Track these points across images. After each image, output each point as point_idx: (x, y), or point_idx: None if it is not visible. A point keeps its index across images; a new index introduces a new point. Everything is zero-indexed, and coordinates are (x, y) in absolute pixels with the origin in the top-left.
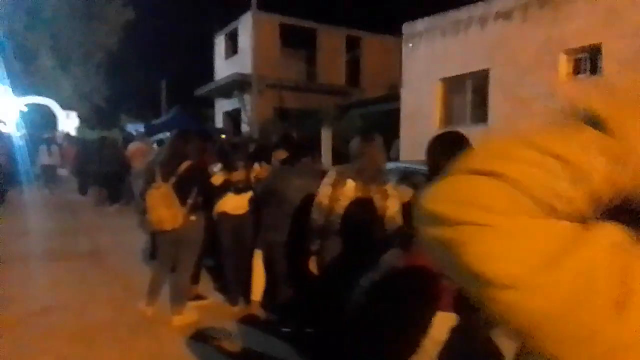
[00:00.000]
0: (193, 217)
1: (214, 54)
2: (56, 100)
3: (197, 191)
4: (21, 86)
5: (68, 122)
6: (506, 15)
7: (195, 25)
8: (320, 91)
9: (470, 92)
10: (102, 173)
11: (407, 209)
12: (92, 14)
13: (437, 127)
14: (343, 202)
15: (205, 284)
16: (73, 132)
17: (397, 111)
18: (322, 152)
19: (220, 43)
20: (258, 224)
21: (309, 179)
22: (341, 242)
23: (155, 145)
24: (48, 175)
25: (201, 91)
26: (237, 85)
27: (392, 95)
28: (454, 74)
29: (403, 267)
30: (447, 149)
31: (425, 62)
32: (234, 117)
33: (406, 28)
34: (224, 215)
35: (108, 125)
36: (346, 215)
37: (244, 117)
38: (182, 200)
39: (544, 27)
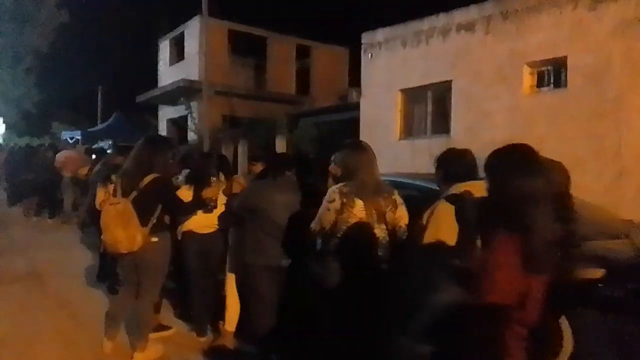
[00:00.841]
0: (155, 239)
1: (157, 59)
2: None
3: (162, 208)
4: None
5: None
6: (468, 26)
7: (136, 29)
8: (270, 99)
9: (431, 103)
10: (32, 182)
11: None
12: (22, 15)
13: (397, 137)
14: (352, 222)
15: (166, 310)
16: None
17: (350, 120)
18: None
19: (164, 48)
20: (227, 244)
21: (292, 195)
22: (341, 265)
23: (93, 155)
24: None
25: (144, 97)
26: (184, 91)
27: (348, 105)
28: (414, 84)
29: (469, 306)
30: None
31: (385, 72)
32: (179, 125)
33: (365, 37)
34: (190, 234)
35: (38, 133)
36: (349, 238)
37: (190, 124)
38: (144, 218)
39: (507, 39)
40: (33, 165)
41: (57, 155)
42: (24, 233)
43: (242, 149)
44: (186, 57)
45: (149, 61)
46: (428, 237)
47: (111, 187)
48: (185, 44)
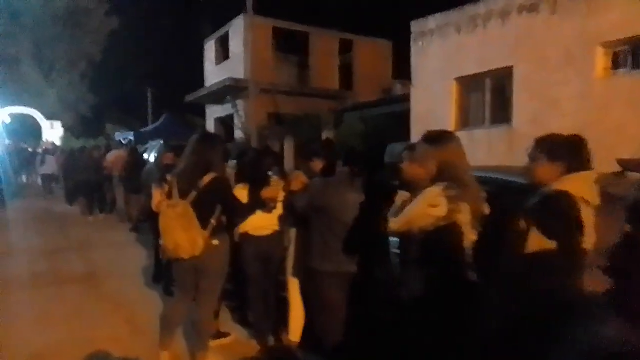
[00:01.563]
0: (216, 242)
1: (204, 59)
2: (40, 110)
3: (222, 210)
4: (4, 96)
5: (52, 132)
6: (532, 7)
7: (182, 32)
8: (314, 95)
9: (490, 92)
10: (84, 182)
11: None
12: (75, 23)
13: (453, 129)
14: (452, 229)
15: (224, 314)
16: (58, 142)
17: (397, 114)
18: None
19: (210, 48)
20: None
21: (361, 195)
22: (431, 274)
23: (145, 155)
24: (46, 184)
25: (192, 97)
26: (230, 90)
27: (394, 98)
28: (471, 72)
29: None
30: None
31: (438, 61)
32: (226, 124)
33: (415, 26)
34: (248, 236)
35: (93, 135)
36: (446, 245)
37: (237, 122)
38: (204, 221)
39: (576, 19)
40: (85, 166)
41: (107, 155)
42: (80, 232)
43: (288, 146)
44: (231, 57)
45: (196, 62)
46: (541, 244)
47: (167, 187)
48: (230, 43)
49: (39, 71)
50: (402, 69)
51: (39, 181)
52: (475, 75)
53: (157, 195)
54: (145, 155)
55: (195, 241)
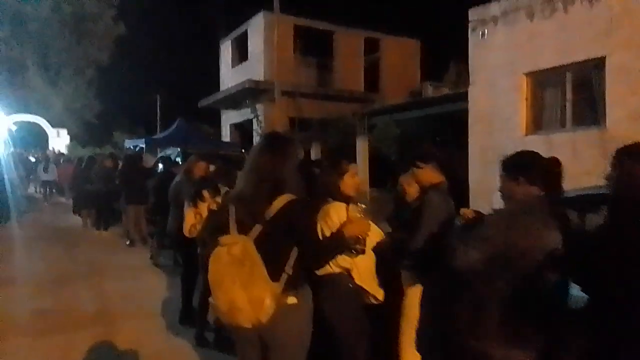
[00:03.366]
0: (293, 300)
1: (219, 61)
2: (46, 118)
3: (302, 252)
4: (9, 104)
5: (58, 140)
6: None
7: (193, 34)
8: (339, 98)
9: (572, 87)
10: (91, 193)
11: None
12: (82, 30)
13: (524, 132)
14: None
15: None
16: (64, 150)
17: (430, 117)
18: (358, 164)
19: (226, 49)
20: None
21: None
22: None
23: (160, 165)
24: (46, 190)
25: (206, 102)
26: (249, 93)
27: (430, 100)
28: (546, 65)
29: None
30: None
31: (504, 52)
32: (242, 130)
33: (474, 13)
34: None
35: (100, 143)
36: None
37: (257, 128)
38: (275, 268)
39: None
40: (92, 176)
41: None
42: (88, 253)
43: (315, 153)
44: (250, 57)
45: (208, 65)
46: None
47: (203, 206)
48: (249, 42)
49: (45, 78)
50: (431, 69)
51: (39, 188)
52: (552, 69)
53: (190, 217)
54: (161, 165)
55: (261, 301)
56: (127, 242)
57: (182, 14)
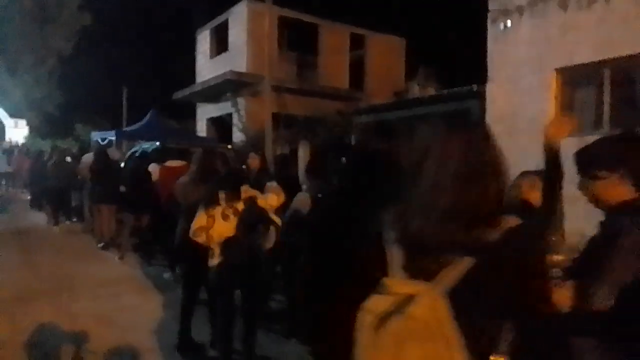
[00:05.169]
0: None
1: (195, 52)
2: (3, 108)
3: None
4: None
5: (16, 132)
6: None
7: (165, 23)
8: (323, 95)
9: (610, 86)
10: (50, 189)
11: None
12: (44, 17)
13: None
14: None
15: None
16: (22, 142)
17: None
18: None
19: (203, 39)
20: None
21: None
22: None
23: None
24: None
25: (181, 94)
26: (231, 86)
27: (424, 100)
28: (581, 61)
29: None
30: None
31: (530, 46)
32: (220, 125)
33: (495, 3)
34: None
35: (62, 135)
36: None
37: (237, 123)
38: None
39: None
40: (52, 171)
41: (83, 157)
42: (54, 261)
43: (303, 152)
44: (231, 48)
45: (182, 56)
46: None
47: (218, 209)
48: (230, 32)
49: (3, 67)
50: (416, 68)
51: None
52: (587, 65)
53: (202, 219)
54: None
55: None
56: (101, 245)
57: (153, 2)
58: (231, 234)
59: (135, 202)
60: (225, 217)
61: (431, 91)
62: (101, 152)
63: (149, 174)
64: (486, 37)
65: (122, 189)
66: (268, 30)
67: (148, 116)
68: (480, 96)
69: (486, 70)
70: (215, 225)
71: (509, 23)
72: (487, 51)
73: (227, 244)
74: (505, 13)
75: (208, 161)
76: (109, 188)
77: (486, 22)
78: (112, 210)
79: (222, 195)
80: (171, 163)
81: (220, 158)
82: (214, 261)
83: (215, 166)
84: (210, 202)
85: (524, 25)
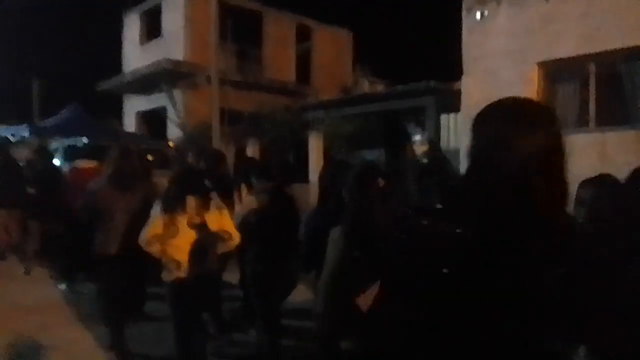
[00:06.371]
0: None
1: (121, 37)
2: None
3: None
4: None
5: None
6: None
7: (81, 8)
8: (268, 89)
9: (596, 81)
10: None
11: None
12: None
13: None
14: None
15: None
16: None
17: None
18: (312, 164)
19: (132, 24)
20: None
21: None
22: None
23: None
24: None
25: (107, 85)
26: (166, 76)
27: (381, 95)
28: (566, 54)
29: None
30: None
31: (509, 38)
32: (152, 119)
33: None
34: None
35: None
36: None
37: (174, 118)
38: None
39: None
40: None
41: None
42: None
43: (252, 151)
44: (164, 34)
45: (103, 42)
46: None
47: (183, 217)
48: (163, 17)
49: None
50: (364, 63)
51: None
52: (571, 59)
53: (159, 224)
54: (56, 161)
55: None
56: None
57: None
58: (195, 248)
59: (44, 207)
60: (192, 226)
61: (380, 87)
62: (3, 150)
63: (60, 174)
64: (445, 31)
65: (31, 191)
66: (211, 16)
67: (67, 110)
68: (438, 92)
69: (446, 66)
70: (180, 235)
71: (485, 12)
72: (445, 45)
73: (192, 258)
74: (481, 2)
75: (126, 162)
76: (12, 190)
77: (447, 13)
78: (16, 215)
79: (191, 201)
80: (81, 163)
81: (139, 158)
82: (171, 276)
83: (134, 167)
84: (173, 207)
85: (502, 15)
